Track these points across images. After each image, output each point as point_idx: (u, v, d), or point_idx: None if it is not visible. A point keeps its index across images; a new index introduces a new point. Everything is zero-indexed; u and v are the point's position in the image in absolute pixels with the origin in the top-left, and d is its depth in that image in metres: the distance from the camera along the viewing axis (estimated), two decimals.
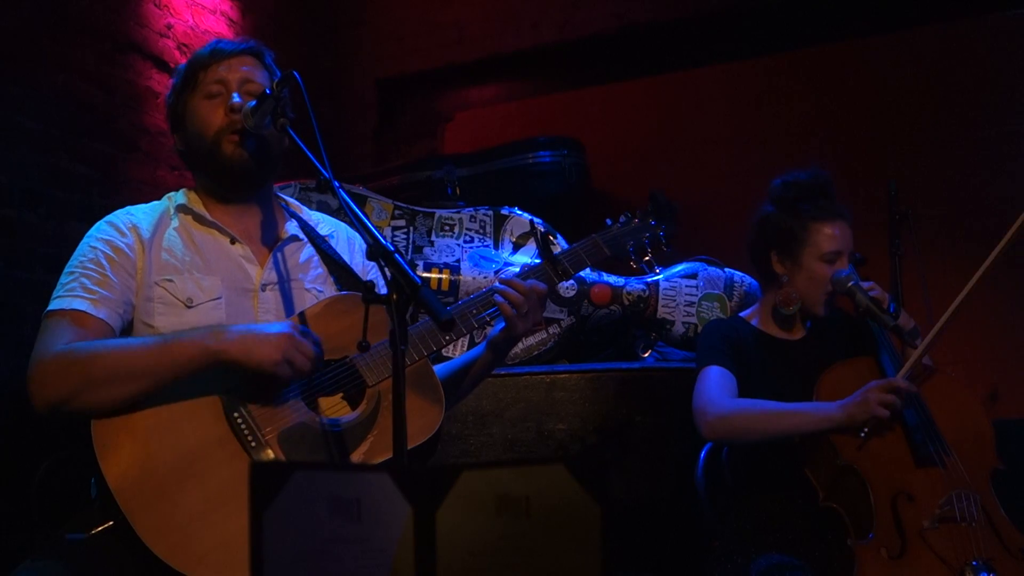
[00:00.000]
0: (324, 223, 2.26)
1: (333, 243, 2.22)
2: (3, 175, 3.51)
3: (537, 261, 2.19)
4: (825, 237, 2.48)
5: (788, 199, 2.54)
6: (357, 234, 2.31)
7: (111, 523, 1.74)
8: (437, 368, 2.11)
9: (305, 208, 2.26)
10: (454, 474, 1.13)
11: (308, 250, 2.16)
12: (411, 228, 3.53)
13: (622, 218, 2.28)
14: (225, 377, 1.83)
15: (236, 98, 2.03)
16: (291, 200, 2.25)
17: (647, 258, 2.30)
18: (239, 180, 2.08)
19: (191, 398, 1.83)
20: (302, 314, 1.96)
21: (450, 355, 2.32)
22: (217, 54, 2.10)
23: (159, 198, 2.17)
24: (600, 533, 1.09)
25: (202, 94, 2.07)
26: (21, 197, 3.57)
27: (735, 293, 3.39)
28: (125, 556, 1.72)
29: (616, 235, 2.23)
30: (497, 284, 2.05)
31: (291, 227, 2.15)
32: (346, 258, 2.20)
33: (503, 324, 2.08)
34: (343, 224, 2.30)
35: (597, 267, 3.42)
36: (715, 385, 2.39)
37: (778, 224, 2.53)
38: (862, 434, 2.25)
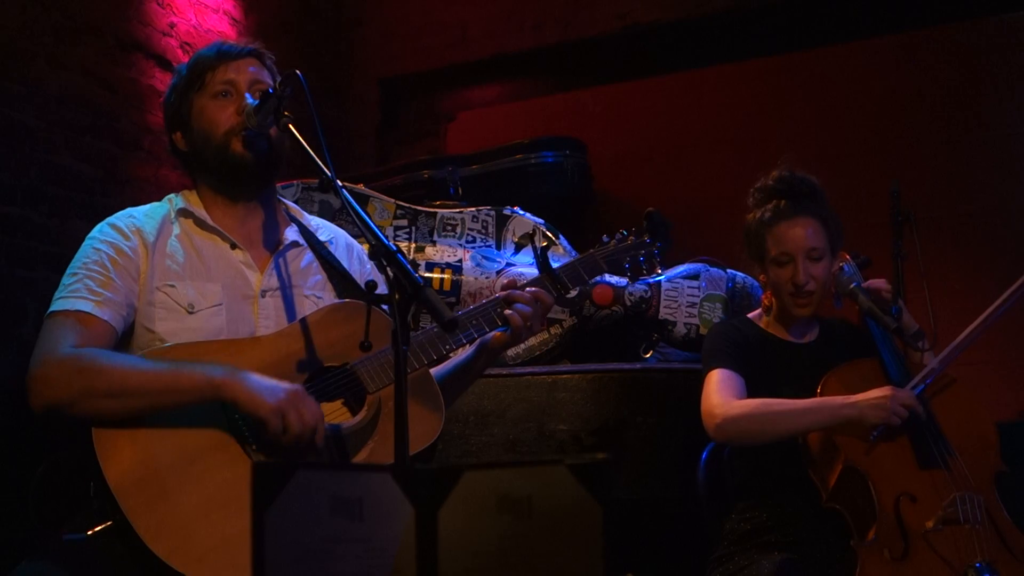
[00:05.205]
0: (323, 229, 2.25)
1: (332, 249, 2.21)
2: (5, 173, 3.51)
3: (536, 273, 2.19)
4: (773, 240, 2.48)
5: (754, 206, 2.55)
6: (356, 241, 2.31)
7: (110, 523, 1.74)
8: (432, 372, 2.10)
9: (305, 213, 2.26)
10: (455, 474, 1.13)
11: (308, 256, 2.15)
12: (413, 228, 3.53)
13: (619, 235, 2.29)
14: None
15: (249, 99, 2.03)
16: (292, 204, 2.25)
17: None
18: (245, 180, 2.08)
19: None
20: (304, 320, 1.96)
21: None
22: (224, 55, 2.10)
23: (161, 198, 2.16)
24: (601, 534, 1.08)
25: (210, 94, 2.07)
26: (23, 195, 3.57)
27: (737, 294, 3.39)
28: (124, 556, 1.72)
29: (614, 252, 2.24)
30: (513, 292, 2.04)
31: (291, 232, 2.14)
32: (345, 264, 2.19)
33: (500, 330, 2.05)
34: (342, 231, 2.30)
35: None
36: (722, 387, 2.39)
37: (747, 232, 2.55)
38: (873, 436, 2.25)
